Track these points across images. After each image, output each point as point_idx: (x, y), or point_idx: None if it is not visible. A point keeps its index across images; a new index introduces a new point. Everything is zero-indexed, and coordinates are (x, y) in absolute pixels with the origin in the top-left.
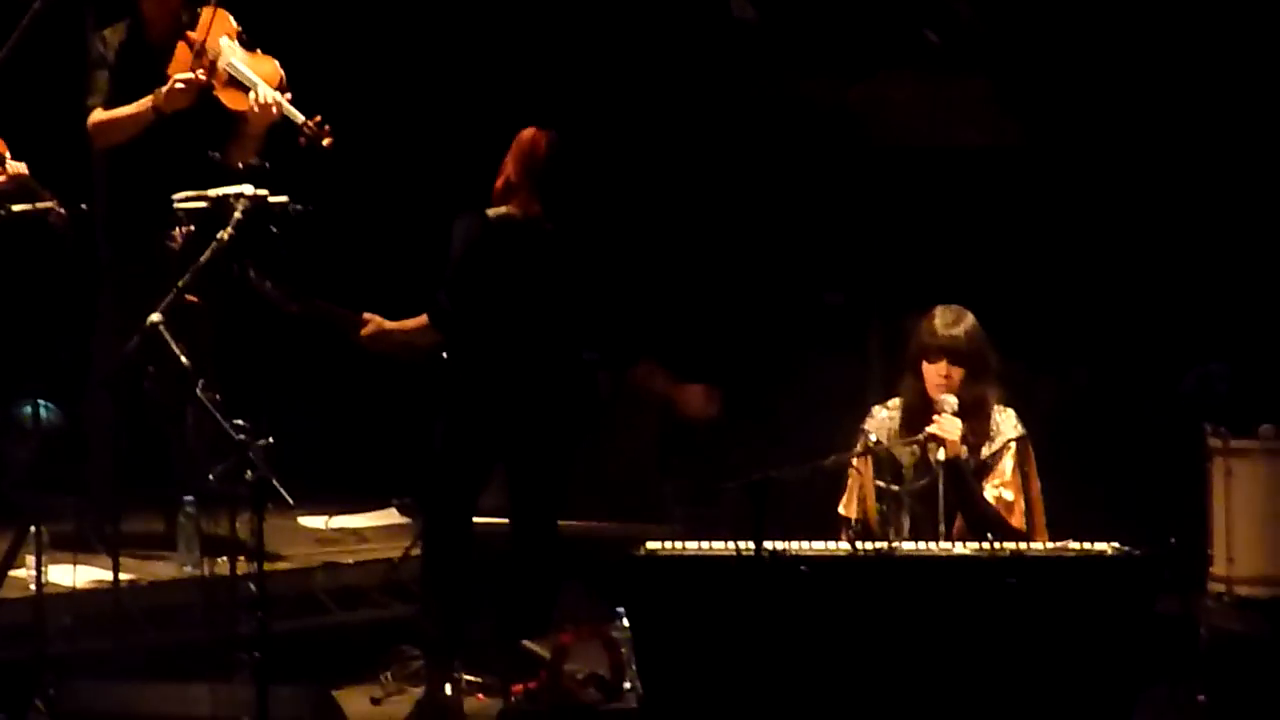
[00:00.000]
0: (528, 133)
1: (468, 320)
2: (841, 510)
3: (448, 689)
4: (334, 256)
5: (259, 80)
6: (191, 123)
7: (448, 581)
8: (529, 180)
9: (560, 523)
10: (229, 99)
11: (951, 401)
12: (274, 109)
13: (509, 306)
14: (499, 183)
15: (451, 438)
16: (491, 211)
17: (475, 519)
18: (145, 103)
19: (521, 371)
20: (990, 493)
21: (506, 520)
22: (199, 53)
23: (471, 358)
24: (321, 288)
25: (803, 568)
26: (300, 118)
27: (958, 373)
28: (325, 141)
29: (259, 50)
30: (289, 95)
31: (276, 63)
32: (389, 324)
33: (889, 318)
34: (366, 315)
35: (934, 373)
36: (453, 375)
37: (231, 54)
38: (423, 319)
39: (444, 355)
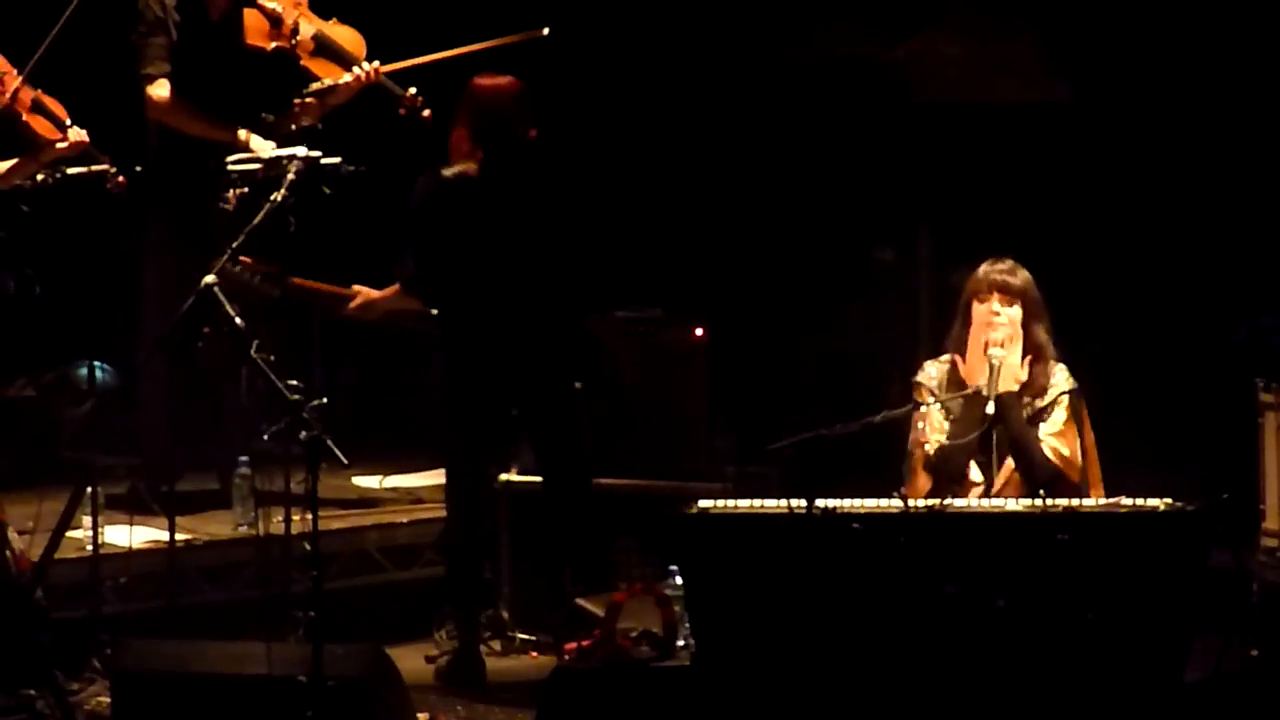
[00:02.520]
0: (475, 81)
1: (438, 281)
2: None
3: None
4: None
5: (351, 51)
6: (246, 86)
7: (466, 537)
8: (473, 132)
9: (611, 481)
10: (319, 68)
11: (998, 353)
12: (373, 80)
13: (473, 262)
14: (451, 138)
15: (451, 393)
16: (446, 170)
17: (524, 478)
18: (228, 134)
19: (503, 324)
20: (1045, 441)
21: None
22: (276, 22)
23: (453, 316)
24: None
25: (855, 525)
26: (399, 90)
27: (1011, 313)
28: (425, 113)
29: (335, 19)
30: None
31: (357, 32)
32: (375, 294)
33: (939, 272)
34: (355, 288)
35: (984, 311)
36: (443, 334)
37: (310, 23)
38: (394, 288)
39: (434, 313)
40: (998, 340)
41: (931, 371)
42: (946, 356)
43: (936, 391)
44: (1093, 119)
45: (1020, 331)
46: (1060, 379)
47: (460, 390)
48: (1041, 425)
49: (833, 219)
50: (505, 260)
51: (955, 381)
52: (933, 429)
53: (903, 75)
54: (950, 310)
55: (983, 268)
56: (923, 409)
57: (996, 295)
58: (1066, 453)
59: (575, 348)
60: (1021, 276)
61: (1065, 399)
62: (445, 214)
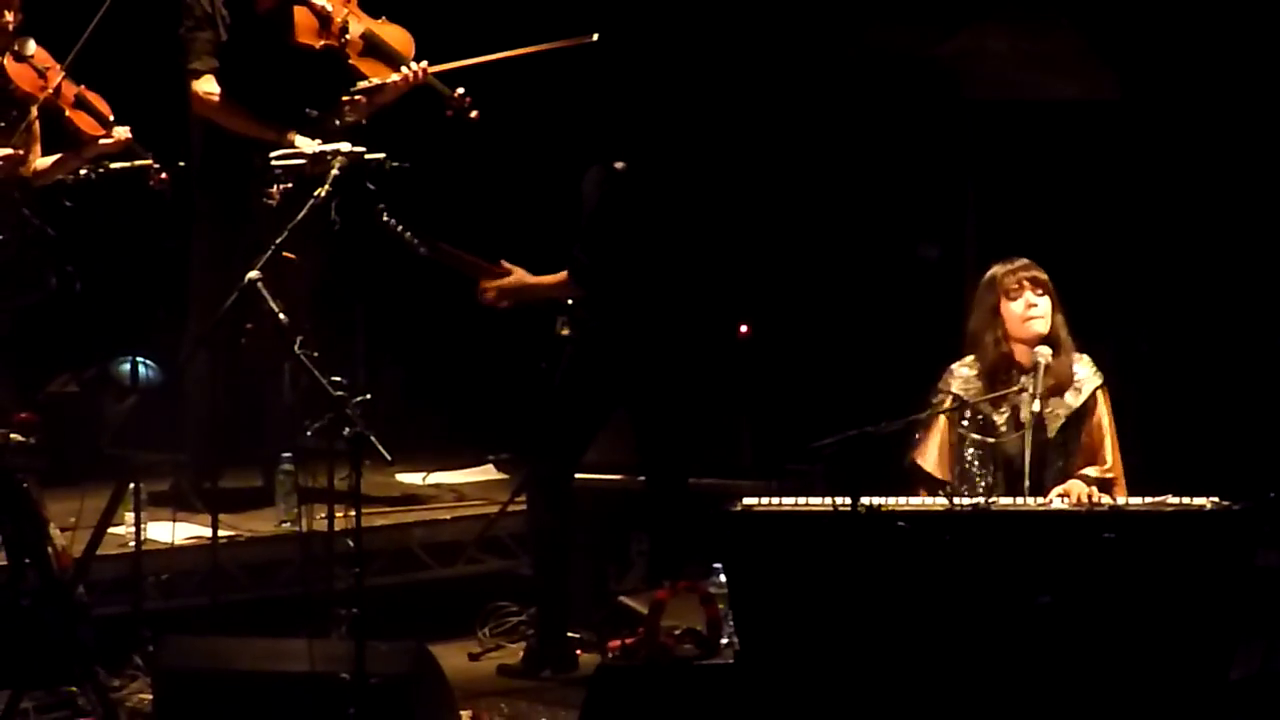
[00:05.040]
0: None
1: (605, 273)
2: (920, 461)
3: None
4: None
5: (399, 51)
6: (294, 84)
7: (558, 531)
8: None
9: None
10: (367, 67)
11: (1045, 350)
12: (421, 80)
13: (641, 258)
14: None
15: (572, 387)
16: (619, 164)
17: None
18: (275, 133)
19: (651, 322)
20: (1088, 476)
21: (606, 476)
22: (325, 20)
23: (604, 309)
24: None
25: (900, 523)
26: (447, 90)
27: (1044, 302)
28: (472, 114)
29: (384, 18)
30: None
31: (406, 31)
32: (530, 278)
33: (984, 270)
34: (506, 265)
35: (1019, 306)
36: (581, 324)
37: (359, 21)
38: (562, 276)
39: (569, 303)
40: (1039, 332)
41: (962, 373)
42: (972, 359)
43: (968, 397)
44: (1141, 116)
45: (1050, 322)
46: (1088, 372)
47: (584, 384)
48: (1092, 459)
49: (878, 215)
50: (668, 255)
51: (988, 388)
52: (944, 452)
53: (951, 72)
54: (972, 317)
55: (1001, 269)
56: (963, 415)
57: (1029, 288)
58: (1109, 462)
59: (708, 352)
60: (1041, 270)
61: (1099, 395)
62: (621, 207)
